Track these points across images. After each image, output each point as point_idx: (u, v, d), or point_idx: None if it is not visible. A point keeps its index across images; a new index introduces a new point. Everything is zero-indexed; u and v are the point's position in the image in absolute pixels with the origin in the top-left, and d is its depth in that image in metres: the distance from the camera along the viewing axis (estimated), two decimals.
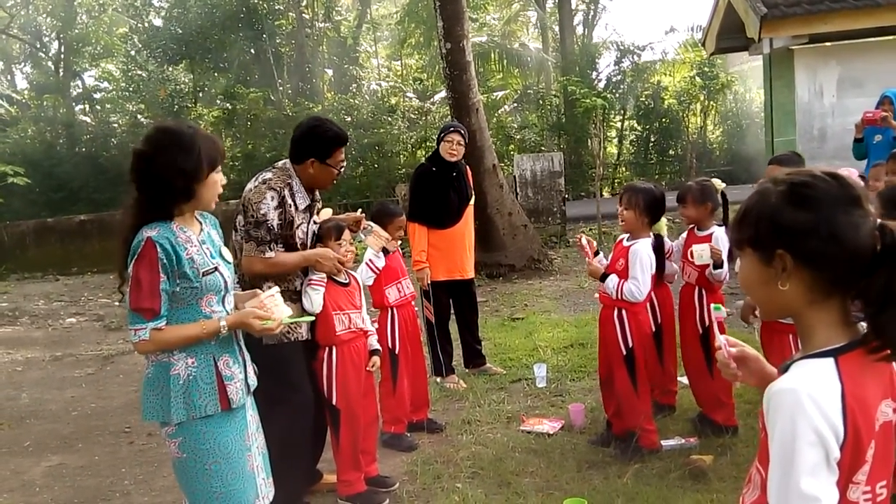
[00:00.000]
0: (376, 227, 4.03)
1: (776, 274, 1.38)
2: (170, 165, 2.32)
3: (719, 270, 3.89)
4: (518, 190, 12.00)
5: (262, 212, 3.22)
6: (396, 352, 4.25)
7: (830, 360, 1.33)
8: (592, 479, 3.65)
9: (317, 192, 3.60)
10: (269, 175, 3.37)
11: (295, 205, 3.37)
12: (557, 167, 12.27)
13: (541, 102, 20.04)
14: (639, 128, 20.13)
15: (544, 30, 25.84)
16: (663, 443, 3.95)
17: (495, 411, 4.71)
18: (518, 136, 19.39)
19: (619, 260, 3.91)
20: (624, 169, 19.45)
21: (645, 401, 4.00)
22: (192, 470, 2.37)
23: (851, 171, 4.11)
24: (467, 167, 5.62)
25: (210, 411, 2.35)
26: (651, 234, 3.97)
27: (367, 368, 3.63)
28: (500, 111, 20.25)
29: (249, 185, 3.35)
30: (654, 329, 4.17)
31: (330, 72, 22.97)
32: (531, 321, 7.07)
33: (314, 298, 3.40)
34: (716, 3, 9.77)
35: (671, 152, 20.12)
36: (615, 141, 20.31)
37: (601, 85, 19.65)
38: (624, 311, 3.90)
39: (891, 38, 9.04)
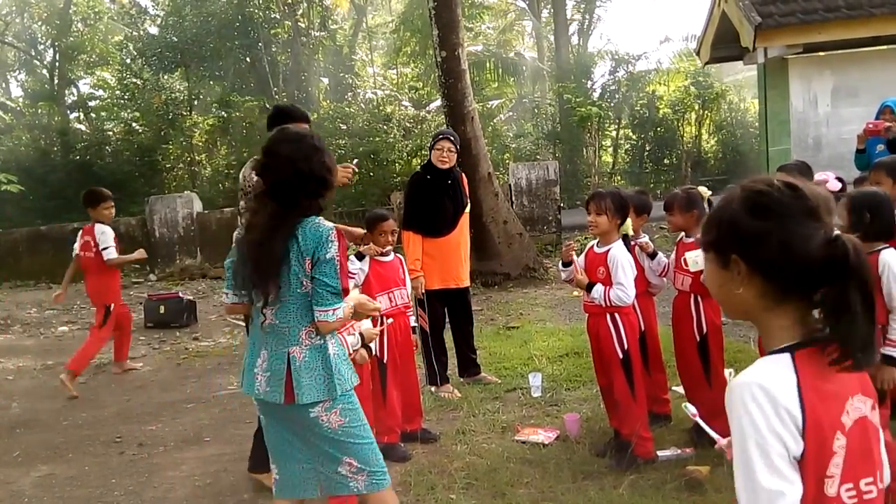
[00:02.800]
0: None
1: (732, 277, 1.41)
2: (324, 164, 2.61)
3: None
4: (513, 198, 12.00)
5: (256, 180, 3.38)
6: (385, 361, 4.21)
7: (786, 355, 1.36)
8: (588, 490, 3.61)
9: None
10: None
11: None
12: (553, 176, 12.28)
13: (536, 111, 20.07)
14: (634, 137, 20.17)
15: (539, 39, 25.93)
16: (659, 453, 3.92)
17: (490, 421, 4.68)
18: (513, 145, 19.40)
19: (598, 268, 3.92)
20: (619, 178, 19.43)
21: (642, 407, 3.99)
22: (355, 430, 2.62)
23: (828, 175, 4.12)
24: (462, 175, 5.61)
25: (354, 382, 2.66)
26: (619, 236, 3.97)
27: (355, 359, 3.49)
28: (495, 120, 20.27)
29: (244, 170, 3.73)
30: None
31: (325, 80, 22.98)
32: (526, 330, 7.04)
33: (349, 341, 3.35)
34: (710, 12, 9.81)
35: (666, 161, 20.15)
36: (610, 150, 20.33)
37: (596, 94, 19.70)
38: (617, 315, 3.91)
39: (885, 47, 9.09)
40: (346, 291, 2.59)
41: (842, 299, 1.33)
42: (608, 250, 3.89)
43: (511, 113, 23.20)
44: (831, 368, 1.38)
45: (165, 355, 7.42)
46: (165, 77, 20.37)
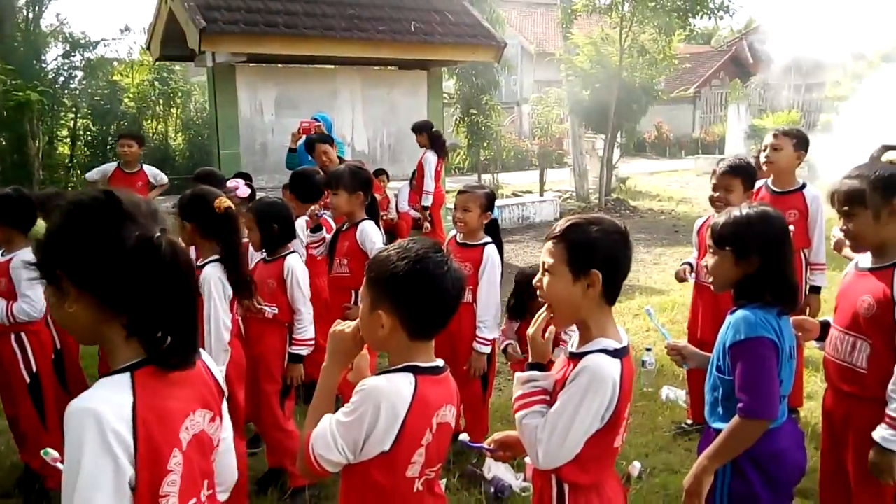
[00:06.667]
0: None
1: (61, 295, 1.34)
2: None
3: None
4: None
5: None
6: None
7: (126, 376, 1.34)
8: None
9: None
10: None
11: None
12: None
13: None
14: (94, 129, 18.74)
15: None
16: None
17: None
18: None
19: None
20: (79, 172, 17.83)
21: (54, 435, 3.63)
22: None
23: (238, 182, 4.43)
24: None
25: None
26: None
27: None
28: None
29: None
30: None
31: None
32: None
33: None
34: (158, 8, 9.59)
35: None
36: (68, 141, 18.52)
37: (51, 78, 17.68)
38: (23, 334, 3.51)
39: (319, 66, 10.16)
40: None
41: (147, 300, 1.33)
42: None
43: None
44: (172, 385, 1.39)
45: None
46: None
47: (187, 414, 1.42)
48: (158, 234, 1.36)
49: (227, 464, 1.62)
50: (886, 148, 2.77)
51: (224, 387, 1.60)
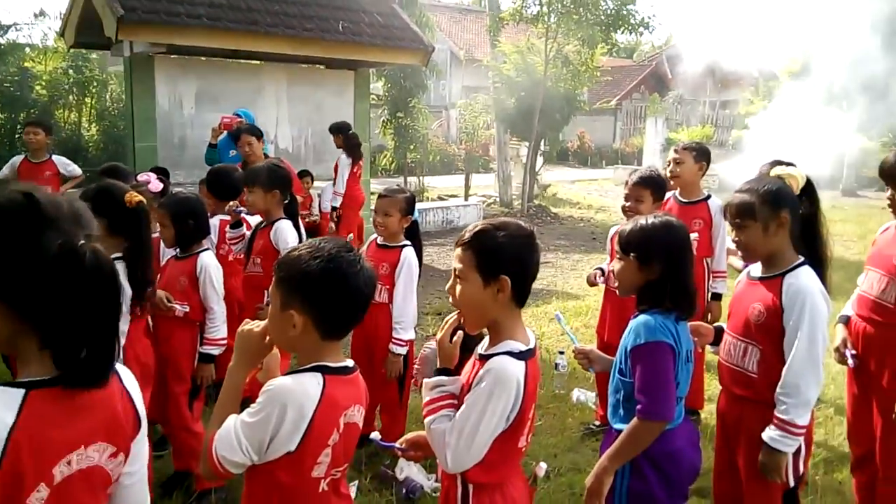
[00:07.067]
0: None
1: None
2: None
3: None
4: None
5: None
6: None
7: (21, 392, 1.25)
8: None
9: None
10: None
11: None
12: None
13: None
14: (2, 116, 17.82)
15: None
16: None
17: None
18: None
19: None
20: None
21: None
22: None
23: (149, 176, 4.33)
24: None
25: None
26: None
27: None
28: None
29: None
30: None
31: None
32: None
33: None
34: None
35: None
36: None
37: None
38: None
39: (242, 61, 9.98)
40: None
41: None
42: None
43: None
44: (73, 413, 1.32)
45: None
46: None
47: (76, 447, 1.33)
48: (83, 241, 1.28)
49: (131, 496, 1.53)
50: (776, 163, 2.93)
51: (144, 418, 1.51)
